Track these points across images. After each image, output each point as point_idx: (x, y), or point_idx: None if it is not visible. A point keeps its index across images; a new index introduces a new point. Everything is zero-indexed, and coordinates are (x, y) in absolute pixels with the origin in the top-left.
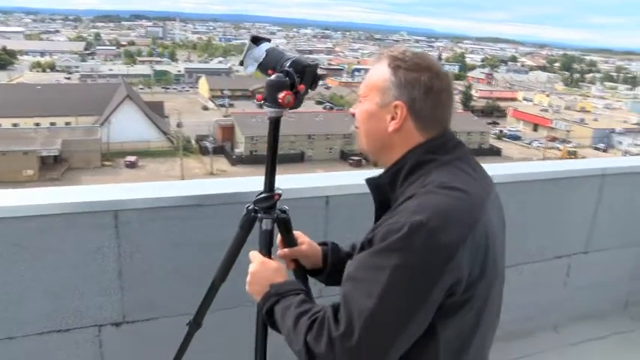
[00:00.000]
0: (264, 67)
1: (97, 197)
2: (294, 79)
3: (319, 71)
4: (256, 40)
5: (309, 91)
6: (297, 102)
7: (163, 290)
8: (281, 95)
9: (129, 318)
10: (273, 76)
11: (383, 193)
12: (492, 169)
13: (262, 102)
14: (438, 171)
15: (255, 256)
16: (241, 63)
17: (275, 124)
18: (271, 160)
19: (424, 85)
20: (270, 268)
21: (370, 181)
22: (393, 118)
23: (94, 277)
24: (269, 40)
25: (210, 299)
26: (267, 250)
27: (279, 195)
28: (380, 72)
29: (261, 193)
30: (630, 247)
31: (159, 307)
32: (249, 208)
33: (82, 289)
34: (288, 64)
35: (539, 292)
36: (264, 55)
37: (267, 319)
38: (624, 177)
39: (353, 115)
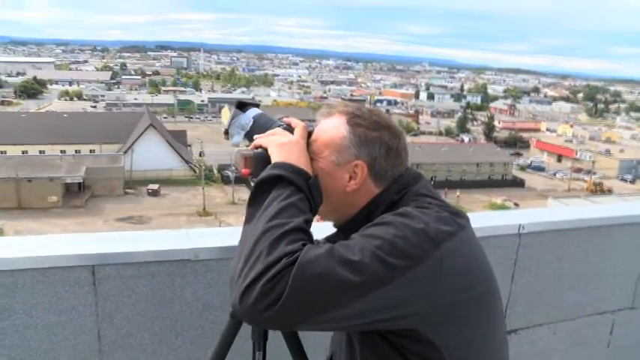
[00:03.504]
0: (251, 135)
1: (72, 250)
2: None
3: None
4: (242, 106)
5: None
6: None
7: (149, 354)
8: None
9: None
10: (260, 149)
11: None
12: (522, 216)
13: (249, 177)
14: (412, 201)
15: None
16: (226, 132)
17: None
18: None
19: (385, 144)
20: (305, 153)
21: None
22: (351, 178)
23: (68, 340)
24: (257, 105)
25: None
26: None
27: None
28: (337, 129)
29: None
30: None
31: None
32: None
33: (54, 353)
34: None
35: (577, 353)
36: (251, 123)
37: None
38: None
39: None
